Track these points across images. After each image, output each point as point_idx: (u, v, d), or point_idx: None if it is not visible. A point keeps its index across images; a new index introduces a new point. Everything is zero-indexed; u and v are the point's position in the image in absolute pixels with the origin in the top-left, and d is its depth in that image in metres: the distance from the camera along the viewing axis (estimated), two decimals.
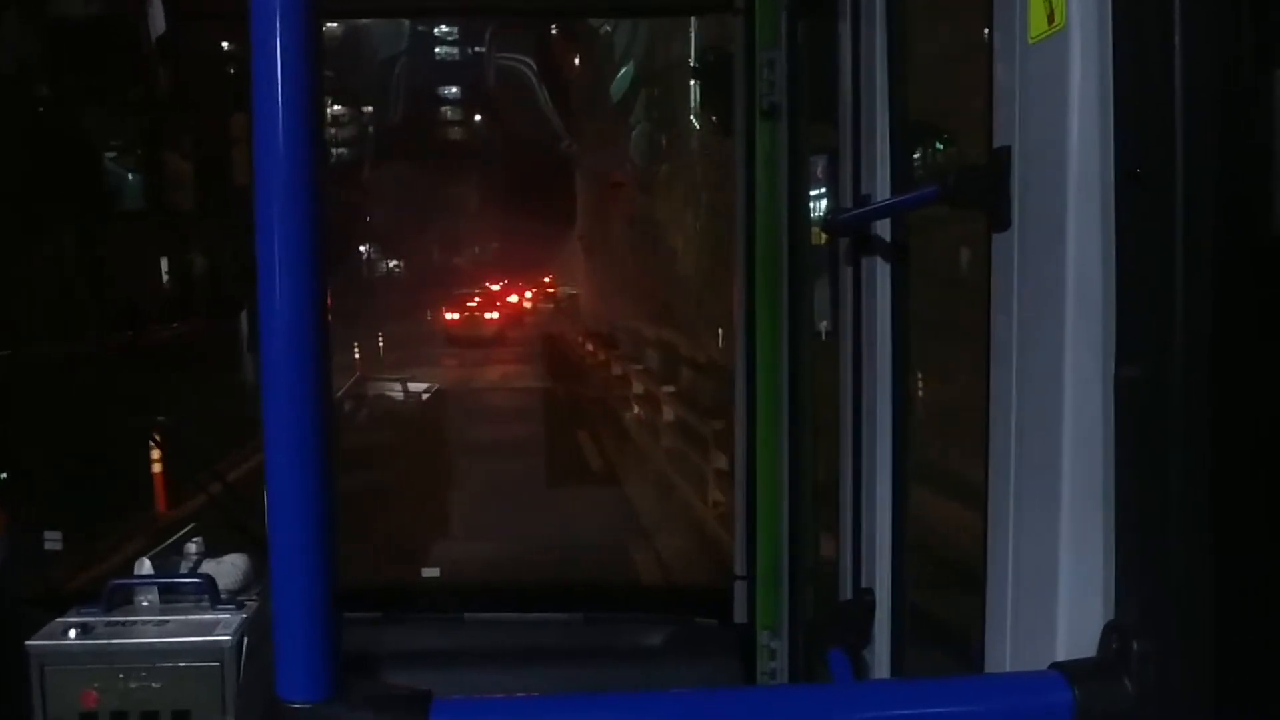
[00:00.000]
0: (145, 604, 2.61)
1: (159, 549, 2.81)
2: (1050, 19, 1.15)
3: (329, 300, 0.99)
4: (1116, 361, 1.08)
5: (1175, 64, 0.98)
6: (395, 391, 14.37)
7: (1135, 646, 1.04)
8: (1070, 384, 1.13)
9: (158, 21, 2.94)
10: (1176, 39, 0.98)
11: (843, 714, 1.13)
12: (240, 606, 2.59)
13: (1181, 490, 1.00)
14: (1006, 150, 1.26)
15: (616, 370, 16.78)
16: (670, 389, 13.23)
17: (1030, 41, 1.20)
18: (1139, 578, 1.06)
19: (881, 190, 1.99)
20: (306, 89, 0.95)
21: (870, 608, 2.01)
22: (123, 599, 2.61)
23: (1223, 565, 0.99)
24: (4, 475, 3.12)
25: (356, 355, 17.61)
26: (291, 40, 0.93)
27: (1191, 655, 1.01)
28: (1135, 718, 1.03)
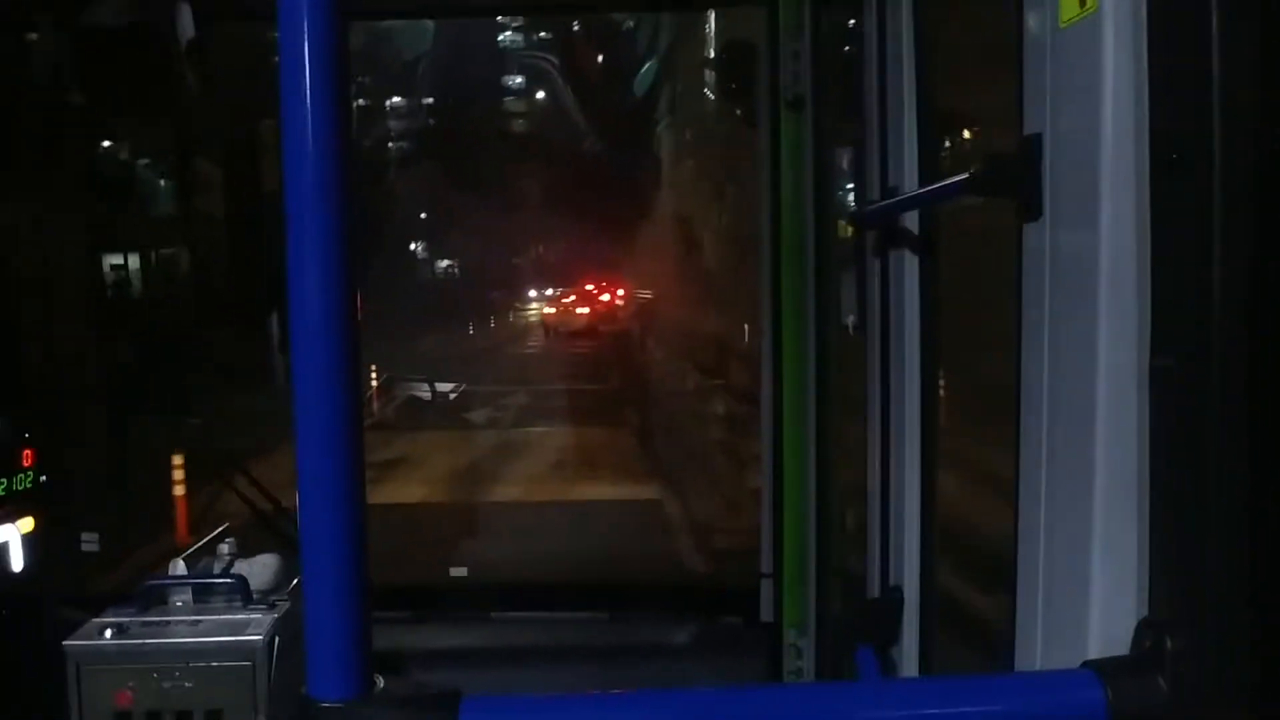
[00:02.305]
0: (179, 604, 2.64)
1: (192, 549, 2.84)
2: (1082, 2, 1.13)
3: (359, 302, 1.00)
4: (1151, 352, 1.06)
5: (1212, 47, 0.95)
6: None
7: (1169, 644, 1.02)
8: (1103, 375, 1.11)
9: (186, 27, 2.96)
10: (1213, 21, 0.95)
11: (870, 712, 1.12)
12: (272, 606, 2.61)
13: (1217, 484, 0.98)
14: (1037, 138, 1.24)
15: None
16: None
17: (1061, 26, 1.18)
18: (1173, 574, 1.04)
19: (909, 182, 1.97)
20: (334, 89, 0.95)
21: (899, 606, 1.99)
22: (157, 599, 2.64)
23: (1259, 561, 0.97)
24: (43, 478, 3.15)
25: None
26: (318, 41, 0.94)
27: (1226, 653, 0.99)
28: (1169, 716, 1.01)
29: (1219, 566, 0.98)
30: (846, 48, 2.80)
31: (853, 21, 2.41)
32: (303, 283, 0.95)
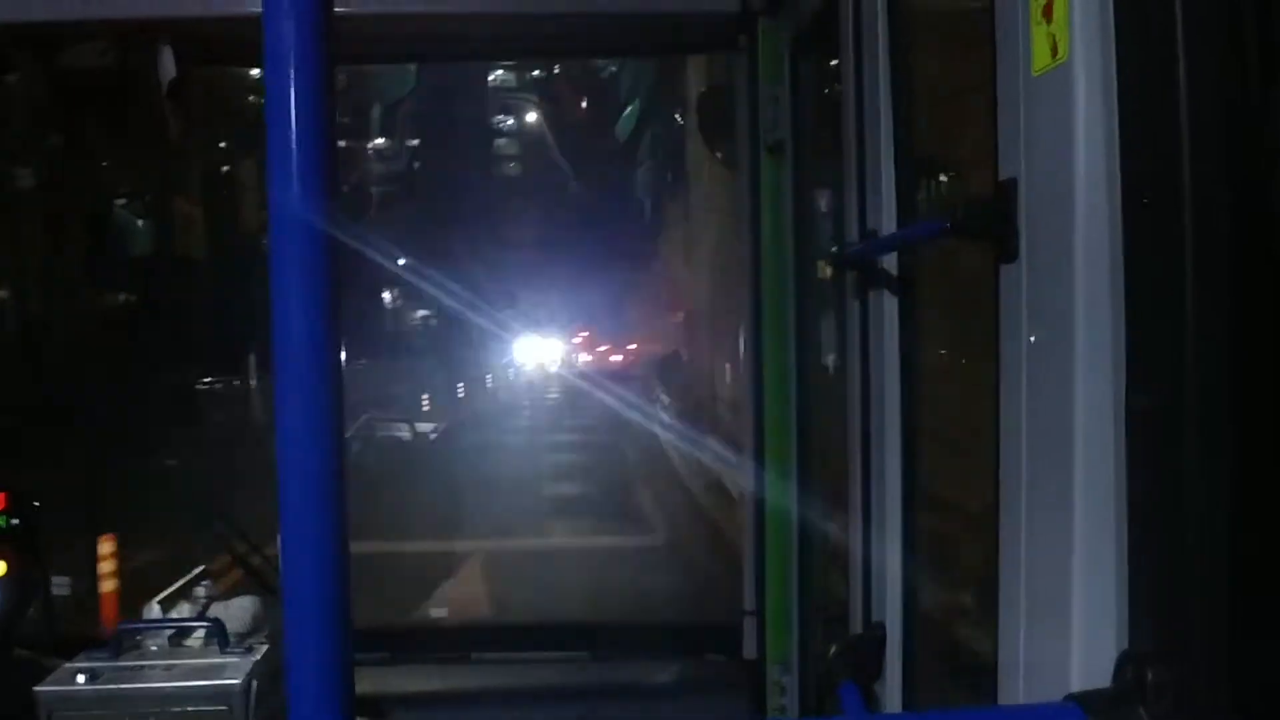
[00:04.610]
0: (154, 648, 2.60)
1: (168, 592, 2.81)
2: (1054, 52, 1.16)
3: (342, 343, 1.00)
4: (1127, 390, 1.08)
5: (1180, 93, 0.99)
6: None
7: (1151, 676, 1.02)
8: (1081, 412, 1.13)
9: (168, 68, 2.98)
10: (1181, 68, 0.98)
11: None
12: (249, 650, 2.58)
13: (1196, 517, 0.99)
14: (1013, 182, 1.27)
15: None
16: None
17: (1034, 74, 1.21)
18: (1154, 606, 1.05)
19: (887, 223, 2.00)
20: (320, 132, 0.96)
21: (881, 641, 1.99)
22: (131, 644, 2.60)
23: (1239, 592, 0.99)
24: (15, 520, 3.11)
25: None
26: (305, 86, 0.95)
27: (1208, 684, 1.00)
28: None
29: (1199, 598, 1.00)
30: (825, 92, 2.85)
31: (831, 66, 2.46)
32: (287, 324, 0.96)
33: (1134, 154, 1.07)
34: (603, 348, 26.50)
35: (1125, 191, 1.08)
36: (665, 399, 15.79)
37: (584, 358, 25.84)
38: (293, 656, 1.00)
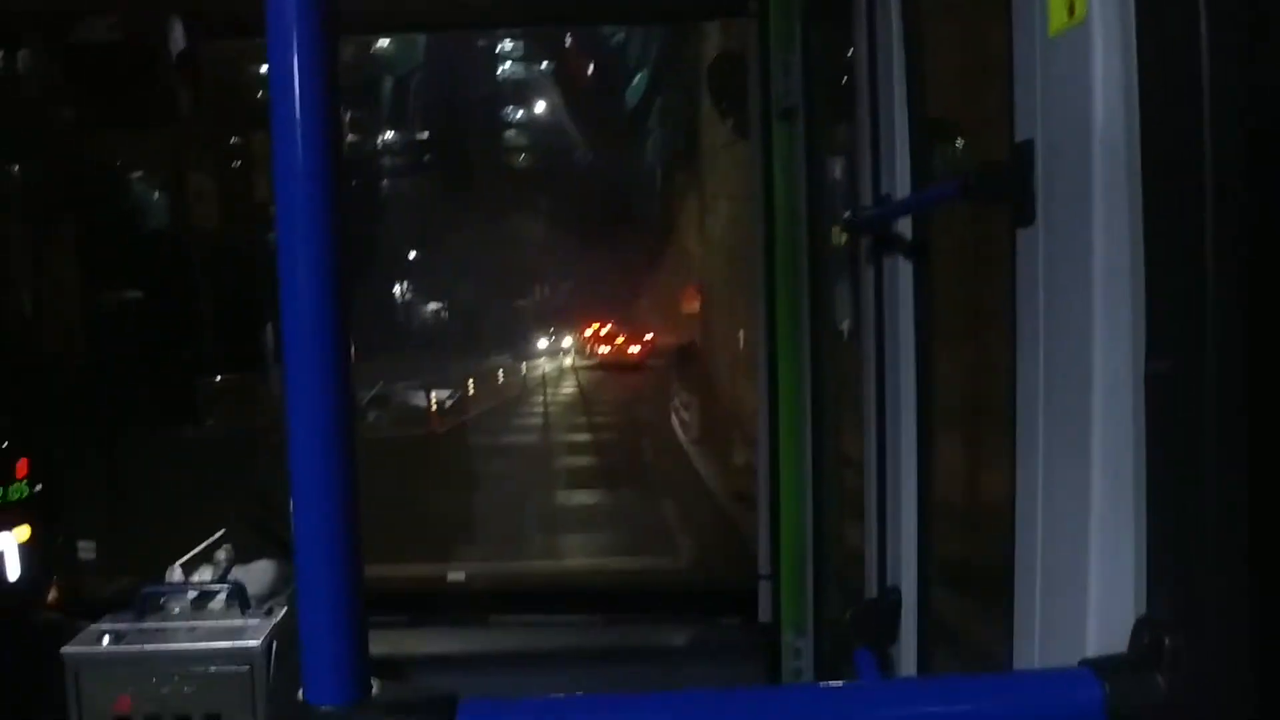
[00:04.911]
0: (176, 610, 2.65)
1: (189, 556, 2.85)
2: (1071, 11, 1.14)
3: (351, 310, 1.00)
4: (1147, 355, 1.07)
5: (1201, 52, 0.97)
6: None
7: (1168, 642, 1.02)
8: (1099, 377, 1.12)
9: (178, 40, 2.98)
10: (1202, 26, 0.96)
11: (869, 712, 1.12)
12: (269, 612, 2.62)
13: (1214, 482, 0.98)
14: (1029, 144, 1.25)
15: None
16: None
17: (1051, 34, 1.19)
18: (1171, 571, 1.04)
19: (901, 188, 1.98)
20: (325, 103, 0.95)
21: (896, 606, 2.00)
22: (154, 606, 2.64)
23: (1257, 558, 0.98)
24: (38, 488, 3.15)
25: None
26: (309, 56, 0.94)
27: (1226, 650, 0.99)
28: (1169, 714, 1.02)
29: (1217, 564, 0.99)
30: (837, 57, 2.82)
31: (843, 30, 2.43)
32: (295, 290, 0.96)
33: (1154, 115, 1.05)
34: (619, 339, 26.64)
35: (1145, 153, 1.06)
36: (684, 395, 15.50)
37: (601, 349, 26.01)
38: (306, 619, 1.00)
